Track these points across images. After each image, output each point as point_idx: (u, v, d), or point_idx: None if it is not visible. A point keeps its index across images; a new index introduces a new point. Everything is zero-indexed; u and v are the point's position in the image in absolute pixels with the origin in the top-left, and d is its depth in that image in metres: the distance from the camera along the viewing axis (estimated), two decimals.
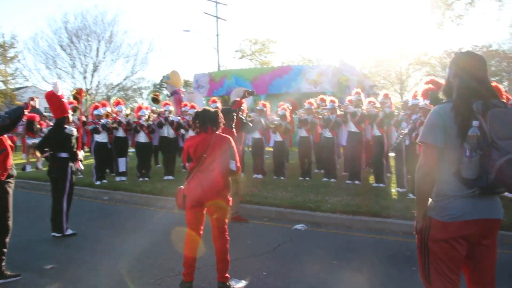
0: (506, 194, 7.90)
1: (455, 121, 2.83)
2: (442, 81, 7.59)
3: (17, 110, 5.22)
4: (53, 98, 7.00)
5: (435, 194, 2.99)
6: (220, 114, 5.07)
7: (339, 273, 5.46)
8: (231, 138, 5.04)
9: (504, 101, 3.00)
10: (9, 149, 5.26)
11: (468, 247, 2.92)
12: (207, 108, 5.22)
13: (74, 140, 7.21)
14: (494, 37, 57.36)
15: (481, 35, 67.53)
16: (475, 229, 2.86)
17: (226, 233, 5.00)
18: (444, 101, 3.05)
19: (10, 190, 5.37)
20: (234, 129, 7.48)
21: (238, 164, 5.04)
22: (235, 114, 7.37)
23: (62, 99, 7.12)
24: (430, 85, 7.40)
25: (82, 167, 7.82)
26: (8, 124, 5.03)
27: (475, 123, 2.73)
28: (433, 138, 2.89)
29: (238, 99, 7.74)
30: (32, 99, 5.55)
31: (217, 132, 4.99)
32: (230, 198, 5.06)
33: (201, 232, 5.03)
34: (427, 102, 7.34)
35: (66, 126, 7.17)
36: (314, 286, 5.02)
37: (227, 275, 4.95)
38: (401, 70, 48.02)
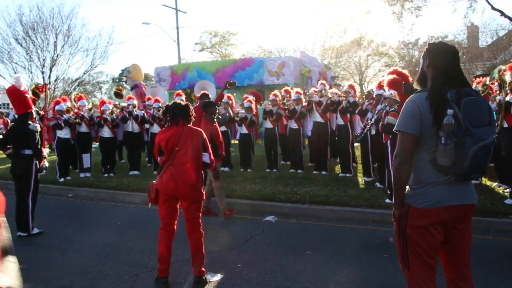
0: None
1: (430, 109, 2.88)
2: (405, 71, 7.80)
3: None
4: (15, 93, 6.78)
5: (412, 181, 3.04)
6: (191, 107, 5.02)
7: (313, 263, 5.50)
8: (203, 131, 5.00)
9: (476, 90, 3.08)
10: None
11: (444, 232, 2.99)
12: (178, 101, 5.15)
13: (38, 137, 7.01)
14: (450, 28, 58.94)
15: (437, 26, 69.13)
16: (452, 214, 2.93)
17: (201, 226, 4.98)
18: (418, 90, 3.10)
19: None
20: (216, 123, 7.44)
21: (212, 157, 5.02)
22: (217, 108, 7.38)
23: (25, 94, 6.90)
24: (394, 75, 7.52)
25: (47, 164, 7.61)
26: None
27: (449, 111, 2.78)
28: (409, 126, 2.93)
29: (217, 91, 7.87)
30: None
31: (188, 125, 4.94)
32: (204, 192, 5.03)
33: (175, 227, 5.00)
34: (392, 92, 7.45)
35: (30, 122, 6.97)
36: (290, 277, 5.05)
37: (203, 269, 4.94)
38: (360, 61, 48.77)
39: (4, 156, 16.35)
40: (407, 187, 3.07)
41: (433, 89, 2.93)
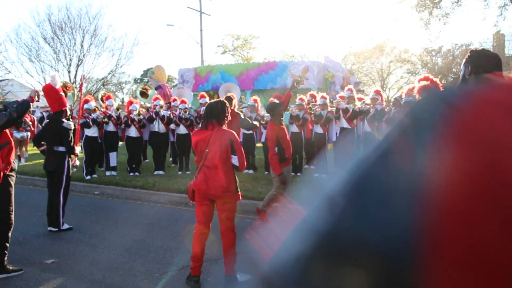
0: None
1: None
2: (435, 79, 7.77)
3: (24, 104, 5.17)
4: (51, 91, 6.93)
5: None
6: (228, 108, 5.02)
7: None
8: (234, 133, 4.98)
9: None
10: (12, 142, 5.22)
11: None
12: (215, 100, 5.14)
13: (71, 134, 7.15)
14: (475, 36, 58.32)
15: (462, 34, 68.56)
16: None
17: (234, 227, 5.04)
18: None
19: (13, 184, 5.33)
20: (283, 125, 7.34)
21: (242, 160, 4.96)
22: (283, 108, 7.29)
23: (60, 93, 7.06)
24: (427, 82, 7.50)
25: (78, 163, 7.76)
26: (15, 117, 4.99)
27: None
28: None
29: (287, 89, 7.63)
30: (36, 92, 5.51)
31: (220, 127, 4.93)
32: (239, 193, 5.04)
33: (209, 226, 5.07)
34: None
35: (64, 120, 7.11)
36: None
37: (234, 269, 4.99)
38: (382, 67, 48.51)
39: (32, 152, 16.75)
40: None
41: None
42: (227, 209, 4.98)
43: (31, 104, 5.26)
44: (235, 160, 4.90)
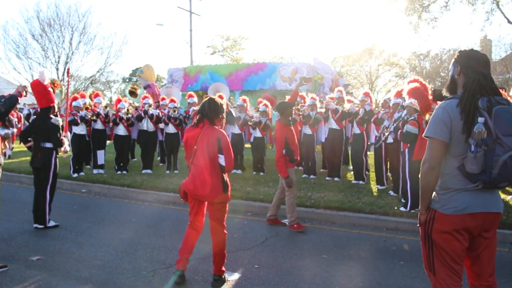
0: None
1: (461, 116, 2.90)
2: (424, 82, 7.83)
3: (11, 98, 5.13)
4: (39, 87, 6.85)
5: (440, 187, 3.06)
6: (223, 108, 4.92)
7: (329, 266, 5.54)
8: (223, 132, 4.86)
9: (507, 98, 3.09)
10: (0, 137, 5.17)
11: (469, 239, 3.02)
12: (208, 98, 5.01)
13: (60, 131, 7.09)
14: (462, 41, 58.84)
15: (450, 39, 69.04)
16: (477, 222, 2.95)
17: (224, 227, 4.99)
18: (448, 97, 3.12)
19: None
20: (292, 126, 7.24)
21: (228, 159, 4.78)
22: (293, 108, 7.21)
23: (48, 89, 6.99)
24: (416, 84, 7.57)
25: (68, 148, 7.67)
26: (2, 112, 4.95)
27: (480, 119, 2.80)
28: (439, 133, 2.96)
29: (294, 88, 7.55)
30: (24, 87, 5.45)
31: (210, 126, 4.84)
32: (228, 193, 4.91)
33: (201, 226, 5.06)
34: (413, 100, 7.47)
35: (51, 116, 7.05)
36: (307, 279, 5.09)
37: (223, 268, 4.97)
38: (370, 70, 48.80)
39: (18, 149, 16.58)
40: (434, 192, 3.10)
41: (464, 97, 2.94)
42: (217, 209, 4.90)
43: (19, 99, 5.21)
44: (221, 159, 4.76)
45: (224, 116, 5.03)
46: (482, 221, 2.97)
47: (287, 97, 12.32)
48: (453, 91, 3.17)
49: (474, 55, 3.12)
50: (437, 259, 3.06)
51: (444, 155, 3.01)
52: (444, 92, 3.30)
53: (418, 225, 3.20)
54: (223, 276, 4.95)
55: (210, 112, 4.86)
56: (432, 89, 7.28)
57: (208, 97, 5.03)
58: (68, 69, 10.25)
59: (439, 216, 3.02)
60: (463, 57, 3.13)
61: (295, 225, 7.16)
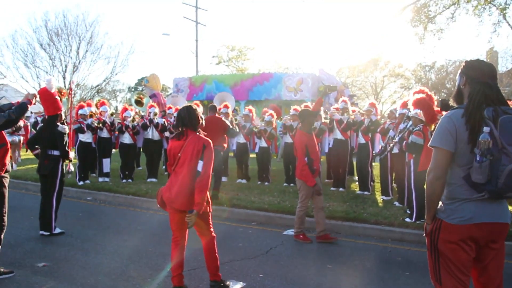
0: None
1: (466, 126, 2.91)
2: (430, 93, 7.84)
3: (22, 106, 5.17)
4: (46, 94, 6.93)
5: (445, 197, 3.06)
6: (197, 113, 4.74)
7: (334, 276, 5.54)
8: (209, 141, 4.67)
9: None
10: (8, 144, 5.22)
11: (476, 249, 3.01)
12: (183, 107, 4.86)
13: (66, 138, 7.14)
14: (468, 52, 58.79)
15: (455, 50, 69.13)
16: (483, 232, 2.95)
17: (207, 232, 4.83)
18: (454, 107, 3.13)
19: (7, 185, 5.32)
20: (313, 135, 7.13)
21: (206, 167, 4.56)
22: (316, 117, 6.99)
23: (55, 96, 7.06)
24: (422, 95, 7.58)
25: (72, 169, 7.74)
26: (14, 119, 5.00)
27: (486, 129, 2.80)
28: (444, 142, 2.97)
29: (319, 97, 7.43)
30: (34, 95, 5.51)
31: (195, 134, 4.68)
32: (209, 204, 4.76)
33: (185, 234, 4.88)
34: (418, 111, 7.49)
35: (58, 123, 7.11)
36: None
37: (218, 273, 4.89)
38: (376, 81, 48.85)
39: (24, 157, 16.67)
40: (440, 202, 3.10)
41: (469, 106, 2.95)
42: (198, 218, 4.62)
43: (28, 106, 5.26)
44: (200, 165, 4.56)
45: (202, 122, 4.84)
46: (488, 232, 2.96)
47: (295, 107, 12.41)
48: (459, 101, 3.18)
49: (479, 64, 3.13)
50: (443, 269, 3.05)
51: (450, 165, 3.01)
52: (451, 102, 3.32)
53: (424, 235, 3.20)
54: (220, 283, 4.86)
55: (191, 120, 4.69)
56: (439, 99, 7.29)
57: (184, 107, 4.85)
58: (72, 81, 10.32)
59: (445, 226, 3.01)
60: (469, 68, 3.14)
61: (301, 236, 7.14)
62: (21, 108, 5.15)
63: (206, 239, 4.84)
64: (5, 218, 5.32)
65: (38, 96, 5.76)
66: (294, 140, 7.57)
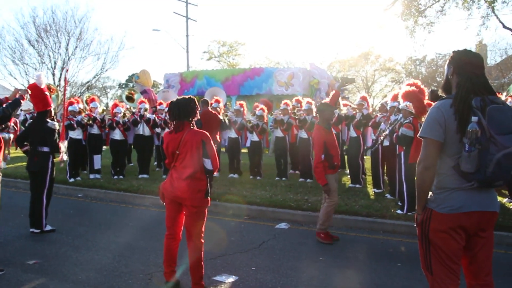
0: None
1: (454, 116, 2.92)
2: (421, 85, 7.87)
3: (16, 102, 5.16)
4: (36, 90, 6.85)
5: (435, 187, 3.08)
6: (194, 104, 4.70)
7: (327, 269, 5.55)
8: (206, 134, 4.66)
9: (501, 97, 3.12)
10: (2, 142, 5.18)
11: (466, 238, 3.03)
12: (181, 98, 4.81)
13: (56, 135, 7.09)
14: (457, 46, 58.98)
15: (445, 44, 69.42)
16: (473, 220, 2.97)
17: (199, 237, 4.66)
18: (443, 97, 3.14)
19: None
20: (332, 129, 6.84)
21: (215, 163, 4.64)
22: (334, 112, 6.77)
23: (45, 92, 7.00)
24: (413, 88, 7.60)
25: (66, 157, 7.68)
26: (8, 115, 4.98)
27: (474, 118, 2.82)
28: (433, 132, 2.98)
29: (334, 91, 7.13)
30: (26, 91, 5.48)
31: (191, 128, 4.67)
32: (209, 198, 4.70)
33: (179, 232, 4.86)
34: (408, 103, 7.51)
35: (48, 120, 7.05)
36: (305, 281, 5.09)
37: (202, 282, 4.67)
38: (366, 76, 49.00)
39: (14, 155, 16.56)
40: (430, 192, 3.11)
41: (457, 96, 2.97)
42: (193, 212, 4.60)
43: (21, 102, 5.24)
44: (208, 164, 4.60)
45: (198, 112, 4.79)
46: (478, 220, 2.98)
47: (285, 101, 12.41)
48: (448, 91, 3.20)
49: (467, 55, 3.15)
50: (434, 258, 3.07)
51: (439, 155, 3.02)
52: (440, 93, 3.33)
53: (415, 225, 3.21)
54: None
55: (186, 112, 4.66)
56: (430, 91, 7.30)
57: (174, 100, 4.80)
58: (67, 69, 10.27)
59: (435, 216, 3.03)
60: (456, 58, 3.16)
61: (322, 234, 6.72)
62: (15, 104, 5.14)
63: (193, 244, 4.62)
64: None
65: (29, 91, 5.71)
66: (312, 136, 7.26)
